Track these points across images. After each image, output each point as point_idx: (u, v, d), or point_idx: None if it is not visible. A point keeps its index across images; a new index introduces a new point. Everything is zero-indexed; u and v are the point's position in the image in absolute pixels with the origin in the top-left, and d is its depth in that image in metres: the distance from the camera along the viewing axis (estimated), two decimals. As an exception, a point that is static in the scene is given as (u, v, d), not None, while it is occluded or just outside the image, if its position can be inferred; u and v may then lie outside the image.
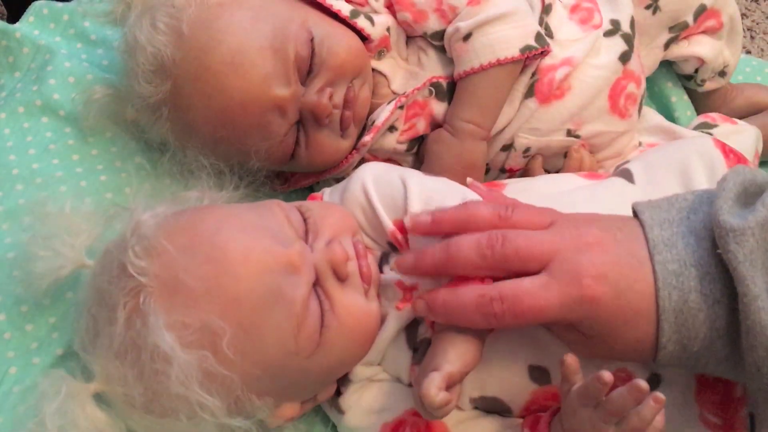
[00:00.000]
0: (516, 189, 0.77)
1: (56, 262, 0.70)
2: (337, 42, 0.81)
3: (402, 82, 0.86)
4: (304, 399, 0.69)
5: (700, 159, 0.72)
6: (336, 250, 0.65)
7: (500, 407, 0.68)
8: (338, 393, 0.71)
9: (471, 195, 0.69)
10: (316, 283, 0.65)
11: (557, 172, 0.89)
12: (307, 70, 0.79)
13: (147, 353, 0.60)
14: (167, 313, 0.61)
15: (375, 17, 0.84)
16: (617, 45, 0.86)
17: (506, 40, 0.80)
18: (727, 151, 0.73)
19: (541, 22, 0.85)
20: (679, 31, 0.92)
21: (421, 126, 0.86)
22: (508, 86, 0.83)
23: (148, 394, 0.62)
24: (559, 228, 0.60)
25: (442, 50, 0.85)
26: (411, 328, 0.69)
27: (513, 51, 0.80)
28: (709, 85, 0.98)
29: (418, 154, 0.88)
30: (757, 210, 0.54)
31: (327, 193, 0.77)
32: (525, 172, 0.89)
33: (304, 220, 0.69)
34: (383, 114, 0.84)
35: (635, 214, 0.60)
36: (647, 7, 0.90)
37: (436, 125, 0.86)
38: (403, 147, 0.87)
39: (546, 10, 0.86)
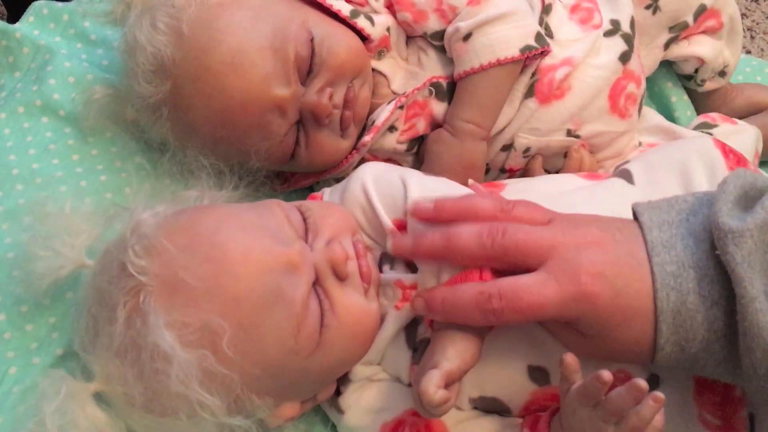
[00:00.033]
0: (516, 189, 0.77)
1: (56, 262, 0.70)
2: (337, 42, 0.81)
3: (402, 82, 0.86)
4: (304, 398, 0.69)
5: (700, 159, 0.72)
6: (336, 250, 0.65)
7: (500, 407, 0.68)
8: (338, 392, 0.71)
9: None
10: (316, 283, 0.65)
11: (557, 172, 0.89)
12: (307, 70, 0.79)
13: (147, 352, 0.60)
14: (167, 313, 0.61)
15: (375, 17, 0.84)
16: (617, 45, 0.86)
17: (506, 40, 0.80)
18: (727, 151, 0.73)
19: (541, 22, 0.85)
20: (679, 31, 0.92)
21: (421, 126, 0.86)
22: (508, 86, 0.83)
23: (148, 394, 0.62)
24: (559, 226, 0.60)
25: (442, 50, 0.85)
26: (410, 327, 0.69)
27: (513, 51, 0.80)
28: (709, 85, 0.98)
29: (418, 154, 0.88)
30: (756, 212, 0.54)
31: (327, 193, 0.78)
32: (525, 172, 0.89)
33: (304, 219, 0.69)
34: (383, 114, 0.84)
35: (635, 215, 0.60)
36: (647, 7, 0.90)
37: (436, 125, 0.86)
38: (403, 147, 0.87)
39: (546, 10, 0.86)
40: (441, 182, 0.74)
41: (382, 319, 0.68)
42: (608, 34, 0.86)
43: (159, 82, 0.79)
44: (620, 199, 0.70)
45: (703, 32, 0.94)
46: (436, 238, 0.62)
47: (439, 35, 0.84)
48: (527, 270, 0.59)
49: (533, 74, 0.84)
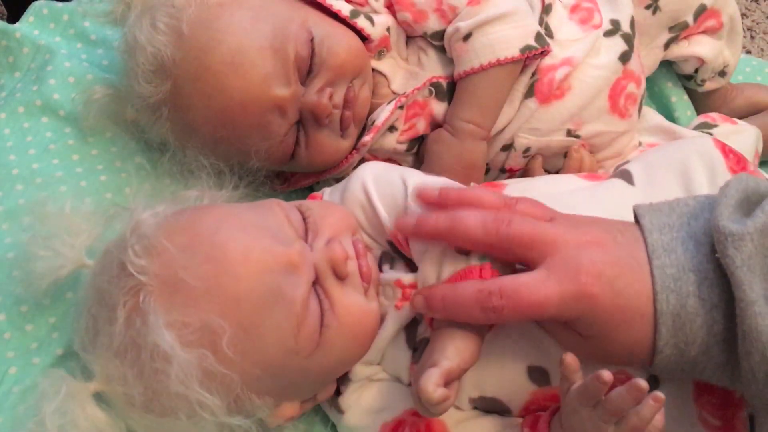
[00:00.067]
0: (516, 189, 0.77)
1: (56, 262, 0.70)
2: (337, 42, 0.81)
3: (402, 82, 0.86)
4: (304, 398, 0.69)
5: (700, 159, 0.72)
6: (336, 250, 0.65)
7: (499, 407, 0.68)
8: (338, 392, 0.71)
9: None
10: (316, 283, 0.65)
11: (557, 172, 0.89)
12: (307, 70, 0.79)
13: (147, 352, 0.60)
14: (167, 312, 0.61)
15: (375, 17, 0.84)
16: (617, 45, 0.86)
17: (506, 40, 0.80)
18: (727, 151, 0.73)
19: (541, 22, 0.85)
20: (679, 31, 0.92)
21: (421, 126, 0.86)
22: (508, 86, 0.83)
23: (148, 393, 0.62)
24: (561, 224, 0.60)
25: (442, 50, 0.85)
26: (411, 327, 0.69)
27: (513, 51, 0.80)
28: (709, 85, 0.98)
29: (418, 154, 0.88)
30: (757, 216, 0.54)
31: (327, 193, 0.78)
32: (525, 172, 0.89)
33: (304, 219, 0.69)
34: (383, 114, 0.84)
35: (636, 217, 0.60)
36: (647, 7, 0.90)
37: (436, 125, 0.86)
38: (403, 147, 0.87)
39: (546, 10, 0.86)
40: (441, 182, 0.74)
41: (382, 318, 0.68)
42: (608, 34, 0.86)
43: (159, 82, 0.79)
44: (621, 200, 0.70)
45: (703, 32, 0.94)
46: (440, 218, 0.62)
47: (439, 35, 0.84)
48: (527, 264, 0.59)
49: (533, 74, 0.84)
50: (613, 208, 0.66)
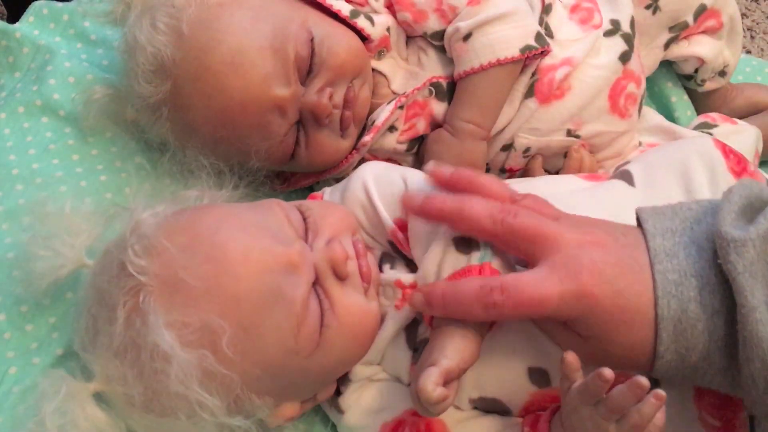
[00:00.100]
0: (516, 189, 0.77)
1: (56, 262, 0.70)
2: (337, 42, 0.81)
3: (402, 82, 0.86)
4: (304, 398, 0.69)
5: (700, 160, 0.72)
6: (336, 250, 0.65)
7: (499, 408, 0.68)
8: (338, 392, 0.71)
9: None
10: (316, 283, 0.65)
11: (557, 172, 0.89)
12: (307, 70, 0.79)
13: (147, 352, 0.60)
14: (167, 312, 0.61)
15: (375, 17, 0.84)
16: (617, 45, 0.86)
17: (506, 40, 0.80)
18: (727, 151, 0.73)
19: (541, 22, 0.85)
20: (679, 31, 0.92)
21: (421, 126, 0.86)
22: (508, 86, 0.83)
23: (148, 394, 0.62)
24: (565, 223, 0.60)
25: (442, 50, 0.85)
26: (411, 328, 0.69)
27: (513, 51, 0.80)
28: (709, 85, 0.98)
29: (418, 154, 0.88)
30: (759, 222, 0.54)
31: (327, 193, 0.78)
32: (525, 172, 0.89)
33: (304, 219, 0.69)
34: (383, 114, 0.84)
35: (639, 221, 0.60)
36: (647, 7, 0.90)
37: (436, 125, 0.86)
38: (403, 147, 0.87)
39: (546, 10, 0.86)
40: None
41: (382, 318, 0.68)
42: (608, 34, 0.86)
43: (159, 82, 0.79)
44: (621, 201, 0.70)
45: (703, 32, 0.94)
46: (448, 199, 0.62)
47: (439, 35, 0.84)
48: (527, 259, 0.59)
49: (533, 74, 0.84)
50: (613, 209, 0.66)
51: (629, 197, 0.71)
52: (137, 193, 0.73)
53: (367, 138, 0.84)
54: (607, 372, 0.54)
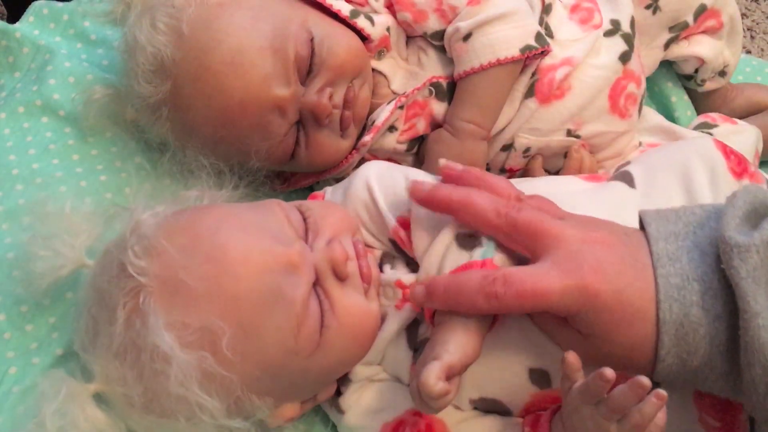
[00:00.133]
0: (516, 189, 0.77)
1: (56, 262, 0.70)
2: (337, 42, 0.81)
3: (402, 82, 0.86)
4: (304, 399, 0.69)
5: (701, 161, 0.72)
6: (336, 250, 0.65)
7: (500, 409, 0.68)
8: (338, 393, 0.71)
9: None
10: (316, 283, 0.65)
11: (557, 172, 0.89)
12: (307, 70, 0.79)
13: (146, 353, 0.60)
14: (167, 313, 0.61)
15: (375, 17, 0.84)
16: (617, 45, 0.86)
17: (506, 40, 0.80)
18: (728, 152, 0.73)
19: (541, 21, 0.85)
20: (679, 31, 0.92)
21: (421, 126, 0.86)
22: (508, 86, 0.83)
23: (148, 395, 0.62)
24: (569, 222, 0.61)
25: (442, 50, 0.85)
26: (411, 328, 0.69)
27: (513, 51, 0.80)
28: (709, 85, 0.98)
29: (418, 154, 0.88)
30: (763, 228, 0.54)
31: (329, 192, 0.77)
32: (525, 172, 0.89)
33: (304, 219, 0.69)
34: (383, 114, 0.84)
35: (642, 224, 0.61)
36: (647, 7, 0.90)
37: (436, 125, 0.86)
38: (403, 147, 0.87)
39: (546, 9, 0.86)
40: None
41: (382, 319, 0.68)
42: (608, 33, 0.86)
43: (159, 82, 0.79)
44: (621, 202, 0.70)
45: (703, 32, 0.94)
46: (455, 191, 0.63)
47: (439, 35, 0.84)
48: (530, 255, 0.60)
49: (533, 74, 0.84)
50: (613, 210, 0.66)
51: (630, 199, 0.71)
52: (137, 193, 0.73)
53: (367, 138, 0.84)
54: (608, 372, 0.54)
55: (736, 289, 0.53)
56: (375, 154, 0.87)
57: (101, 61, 0.96)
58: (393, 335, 0.68)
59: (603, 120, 0.86)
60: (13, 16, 1.35)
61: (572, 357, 0.57)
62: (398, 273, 0.69)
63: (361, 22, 0.83)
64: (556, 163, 0.88)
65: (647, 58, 0.93)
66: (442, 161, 0.67)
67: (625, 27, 0.87)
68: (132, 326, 0.61)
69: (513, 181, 0.82)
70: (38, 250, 0.70)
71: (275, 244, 0.64)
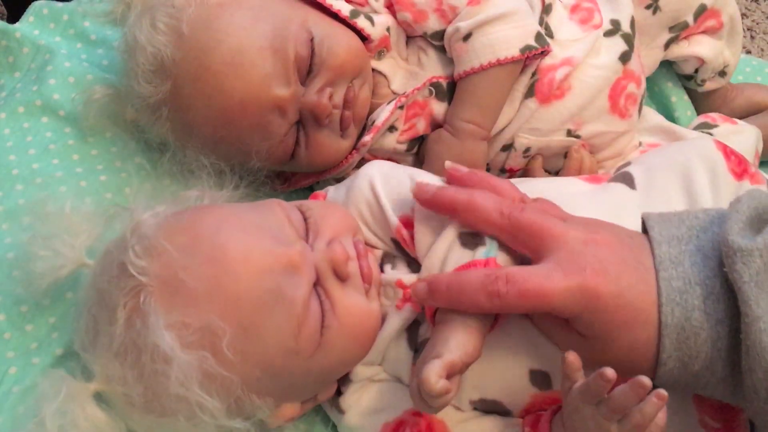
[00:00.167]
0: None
1: (56, 262, 0.70)
2: (337, 42, 0.81)
3: (402, 82, 0.86)
4: (305, 399, 0.69)
5: (701, 162, 0.72)
6: (337, 250, 0.65)
7: (500, 409, 0.68)
8: (339, 393, 0.71)
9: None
10: (317, 283, 0.65)
11: (557, 172, 0.89)
12: (307, 70, 0.79)
13: (147, 353, 0.60)
14: (167, 313, 0.61)
15: (375, 17, 0.84)
16: (617, 45, 0.86)
17: (506, 40, 0.80)
18: (728, 153, 0.73)
19: (541, 22, 0.85)
20: (679, 31, 0.92)
21: (421, 126, 0.86)
22: (508, 86, 0.83)
23: (148, 395, 0.62)
24: (572, 223, 0.61)
25: (442, 50, 0.85)
26: (412, 328, 0.69)
27: (513, 51, 0.80)
28: (709, 85, 0.98)
29: (418, 154, 0.88)
30: (767, 233, 0.54)
31: (331, 191, 0.77)
32: (525, 173, 0.89)
33: (305, 219, 0.69)
34: (383, 114, 0.84)
35: (645, 227, 0.61)
36: (647, 7, 0.90)
37: (436, 125, 0.86)
38: (403, 147, 0.87)
39: (546, 10, 0.86)
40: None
41: (383, 319, 0.68)
42: (608, 34, 0.86)
43: (159, 82, 0.79)
44: (622, 204, 0.70)
45: (703, 32, 0.94)
46: (459, 192, 0.64)
47: (439, 35, 0.84)
48: (532, 256, 0.60)
49: (533, 74, 0.84)
50: (614, 212, 0.66)
51: (630, 201, 0.71)
52: (137, 193, 0.73)
53: (367, 138, 0.84)
54: (609, 371, 0.53)
55: (738, 293, 0.53)
56: (375, 154, 0.87)
57: (101, 61, 0.96)
58: (393, 335, 0.68)
59: (603, 120, 0.86)
60: (13, 16, 1.36)
61: (572, 356, 0.57)
62: (399, 273, 0.69)
63: (361, 22, 0.83)
64: (556, 163, 0.88)
65: (647, 58, 0.93)
66: (449, 164, 0.68)
67: (625, 27, 0.87)
68: (132, 326, 0.61)
69: (513, 181, 0.83)
70: (38, 250, 0.70)
71: (276, 244, 0.64)
